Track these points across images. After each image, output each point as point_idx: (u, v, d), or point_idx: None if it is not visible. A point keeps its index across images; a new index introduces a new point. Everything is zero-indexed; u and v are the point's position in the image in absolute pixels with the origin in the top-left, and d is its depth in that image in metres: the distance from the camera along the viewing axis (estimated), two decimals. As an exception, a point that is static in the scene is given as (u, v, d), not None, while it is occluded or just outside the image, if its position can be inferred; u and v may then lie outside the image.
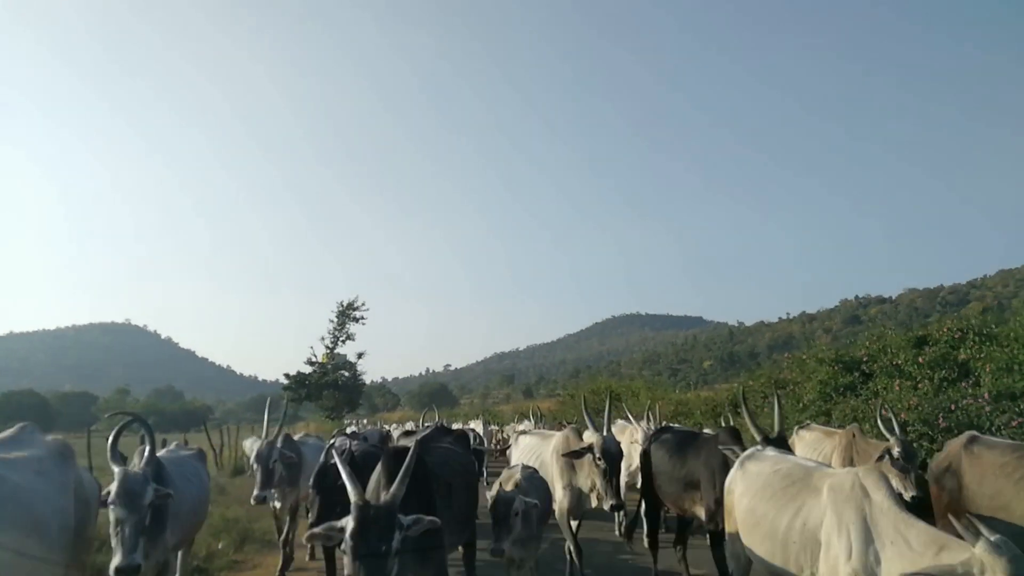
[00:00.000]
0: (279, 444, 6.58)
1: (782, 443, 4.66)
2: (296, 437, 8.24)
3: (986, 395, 8.46)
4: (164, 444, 7.62)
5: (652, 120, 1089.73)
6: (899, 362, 10.53)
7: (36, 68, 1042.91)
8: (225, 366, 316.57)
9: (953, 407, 8.61)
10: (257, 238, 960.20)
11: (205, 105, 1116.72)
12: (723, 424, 12.71)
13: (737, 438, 5.32)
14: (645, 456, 6.63)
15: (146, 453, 4.10)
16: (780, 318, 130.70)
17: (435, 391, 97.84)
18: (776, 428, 4.95)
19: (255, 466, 6.36)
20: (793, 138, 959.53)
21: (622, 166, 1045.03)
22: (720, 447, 5.15)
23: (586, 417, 6.30)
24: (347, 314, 45.65)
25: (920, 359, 10.17)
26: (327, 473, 4.66)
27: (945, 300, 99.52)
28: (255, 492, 6.17)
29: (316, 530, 2.89)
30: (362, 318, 45.93)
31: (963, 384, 9.31)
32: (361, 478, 4.60)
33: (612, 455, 5.48)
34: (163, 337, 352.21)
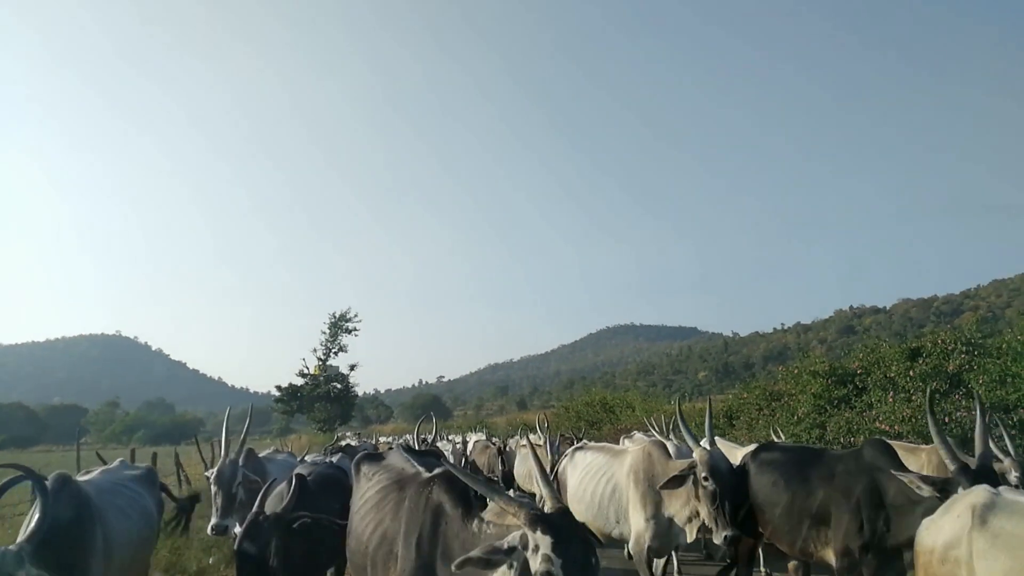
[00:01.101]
0: (242, 463, 5.55)
1: (989, 476, 3.35)
2: (262, 454, 6.97)
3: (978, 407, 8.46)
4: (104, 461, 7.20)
5: (650, 130, 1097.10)
6: (892, 374, 10.53)
7: (25, 74, 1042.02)
8: (216, 378, 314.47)
9: (947, 419, 8.62)
10: (249, 250, 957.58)
11: (197, 115, 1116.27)
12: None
13: (891, 456, 4.06)
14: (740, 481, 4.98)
15: (33, 522, 3.00)
16: (775, 329, 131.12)
17: (428, 403, 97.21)
18: (977, 451, 3.63)
19: (214, 489, 5.31)
20: (787, 148, 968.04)
21: (619, 177, 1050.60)
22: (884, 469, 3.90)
23: (683, 429, 5.05)
24: (339, 325, 45.55)
25: (912, 371, 10.17)
26: (258, 546, 3.50)
27: (939, 310, 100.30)
28: (214, 521, 5.16)
29: (474, 554, 2.23)
30: (354, 329, 45.93)
31: (956, 396, 9.32)
32: (314, 505, 3.95)
33: (723, 474, 4.46)
34: (154, 349, 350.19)
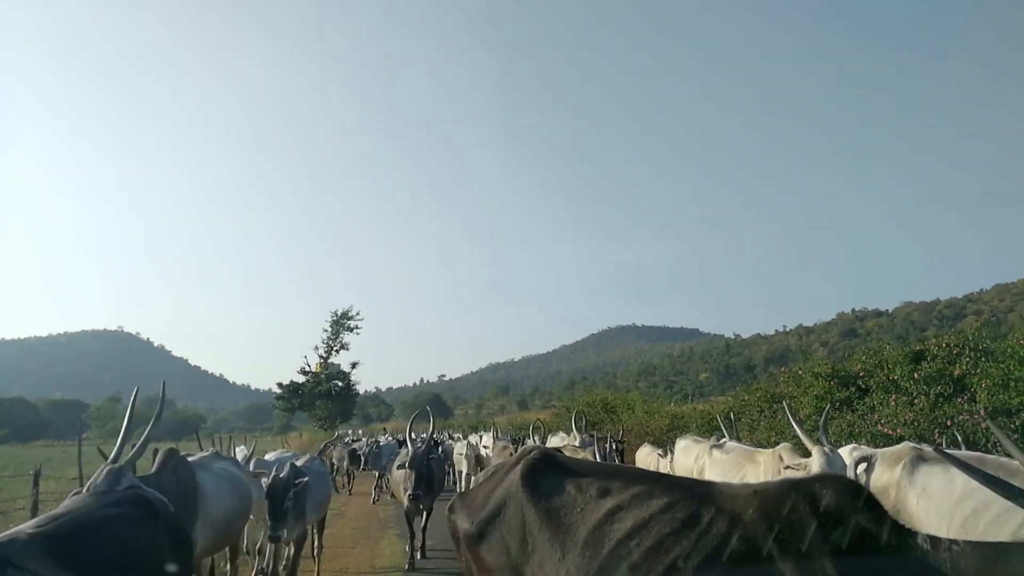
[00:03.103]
0: (156, 469, 4.08)
1: None
2: (193, 457, 5.11)
3: (982, 411, 8.46)
4: None
5: (653, 131, 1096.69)
6: (895, 377, 10.52)
7: (28, 71, 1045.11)
8: (218, 374, 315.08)
9: (949, 423, 8.61)
10: (251, 247, 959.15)
11: (199, 112, 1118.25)
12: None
13: None
14: None
15: None
16: (777, 331, 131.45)
17: (429, 401, 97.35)
18: None
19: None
20: (791, 150, 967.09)
21: (622, 178, 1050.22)
22: None
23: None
24: (341, 323, 45.65)
25: (916, 374, 10.16)
26: None
27: (942, 314, 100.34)
28: None
29: None
30: (356, 327, 46.02)
31: (959, 400, 9.30)
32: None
33: None
34: (155, 345, 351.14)
